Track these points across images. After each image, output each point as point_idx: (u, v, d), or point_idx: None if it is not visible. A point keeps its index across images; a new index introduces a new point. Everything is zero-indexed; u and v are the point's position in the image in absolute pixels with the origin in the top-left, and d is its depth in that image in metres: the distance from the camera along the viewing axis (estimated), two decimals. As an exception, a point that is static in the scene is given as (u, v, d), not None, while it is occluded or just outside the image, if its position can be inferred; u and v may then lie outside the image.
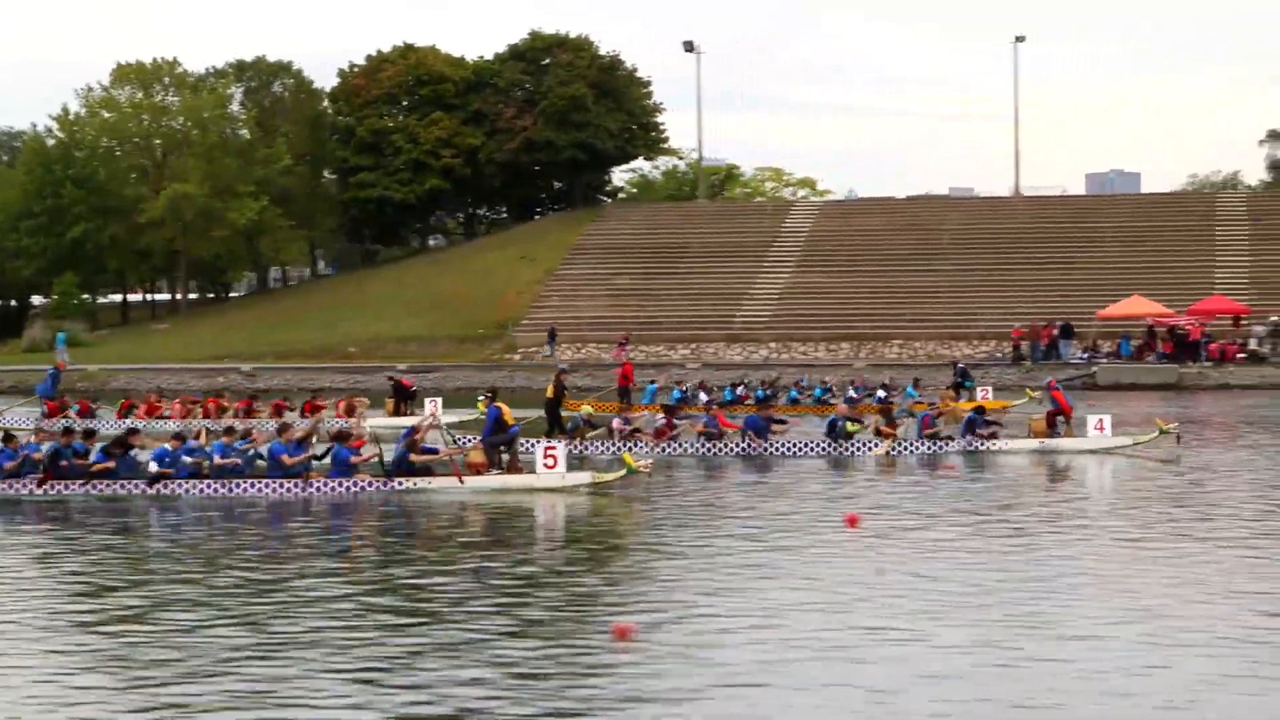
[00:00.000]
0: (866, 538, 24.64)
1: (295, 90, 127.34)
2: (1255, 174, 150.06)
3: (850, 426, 40.49)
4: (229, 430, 34.01)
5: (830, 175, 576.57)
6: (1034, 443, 40.43)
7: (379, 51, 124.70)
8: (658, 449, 40.14)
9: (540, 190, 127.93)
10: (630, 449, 38.83)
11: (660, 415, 43.17)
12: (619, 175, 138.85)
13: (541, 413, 43.90)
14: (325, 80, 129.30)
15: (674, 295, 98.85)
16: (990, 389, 59.59)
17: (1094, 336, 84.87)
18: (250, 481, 31.52)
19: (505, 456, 33.65)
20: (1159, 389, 72.45)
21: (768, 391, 57.01)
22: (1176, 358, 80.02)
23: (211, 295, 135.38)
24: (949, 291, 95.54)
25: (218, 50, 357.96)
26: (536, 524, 28.45)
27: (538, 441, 35.02)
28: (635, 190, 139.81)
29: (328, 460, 32.16)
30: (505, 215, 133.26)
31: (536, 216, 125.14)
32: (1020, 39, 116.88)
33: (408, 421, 49.48)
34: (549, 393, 43.80)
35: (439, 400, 54.90)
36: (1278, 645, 16.62)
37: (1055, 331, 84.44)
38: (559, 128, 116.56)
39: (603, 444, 40.70)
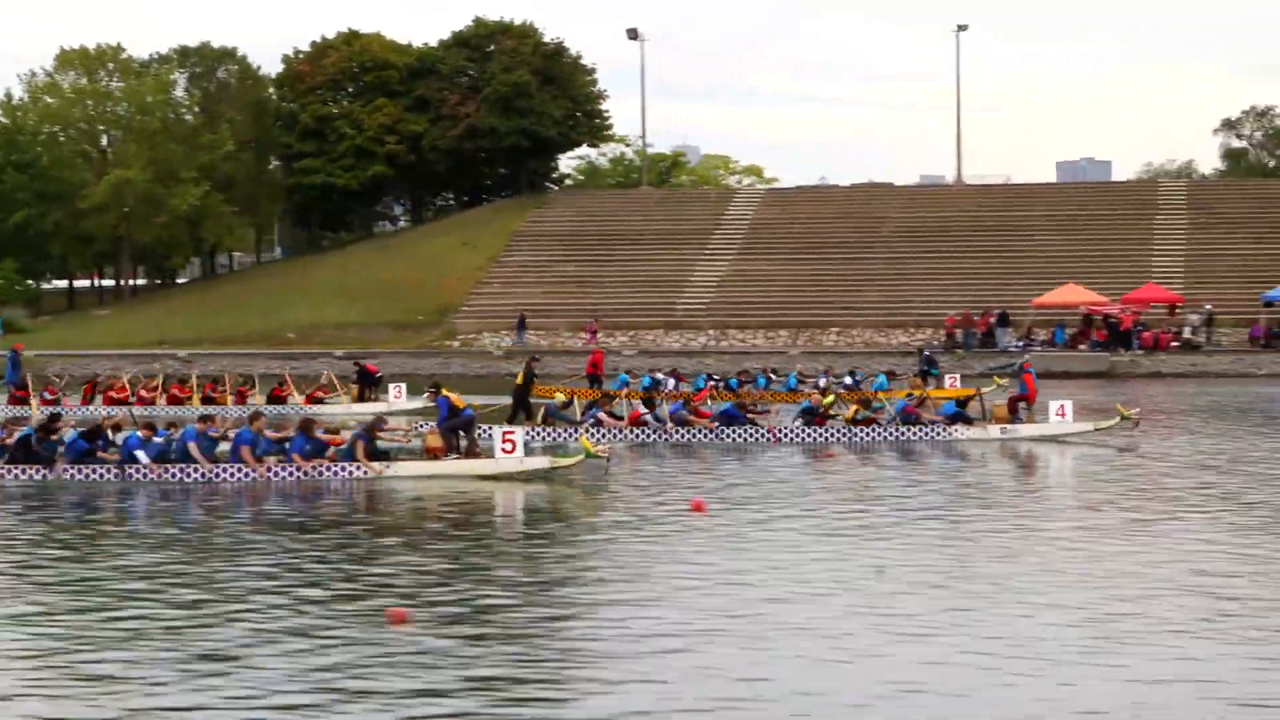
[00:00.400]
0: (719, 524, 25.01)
1: (240, 76, 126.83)
2: (1210, 163, 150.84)
3: (825, 400, 41.13)
4: (204, 418, 33.95)
5: (808, 166, 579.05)
6: (995, 429, 40.40)
7: (324, 38, 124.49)
8: (631, 436, 40.24)
9: (486, 177, 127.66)
10: (603, 435, 39.13)
11: (637, 402, 43.12)
12: (567, 162, 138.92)
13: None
14: (272, 66, 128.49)
15: (615, 282, 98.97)
16: (959, 376, 59.66)
17: (1029, 325, 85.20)
18: (208, 467, 31.66)
19: (464, 442, 33.62)
20: (1090, 377, 72.75)
21: (740, 380, 56.85)
22: (1109, 346, 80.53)
23: (159, 281, 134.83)
24: (887, 279, 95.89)
25: (163, 36, 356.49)
26: (463, 508, 28.28)
27: (496, 427, 35.07)
28: (583, 177, 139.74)
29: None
30: (453, 202, 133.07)
31: (485, 203, 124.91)
32: (963, 28, 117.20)
33: (373, 407, 49.84)
34: (518, 380, 43.78)
35: (403, 386, 54.85)
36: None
37: (992, 319, 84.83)
38: (502, 114, 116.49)
39: (572, 432, 40.19)
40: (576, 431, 39.40)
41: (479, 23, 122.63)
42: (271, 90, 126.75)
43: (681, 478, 32.17)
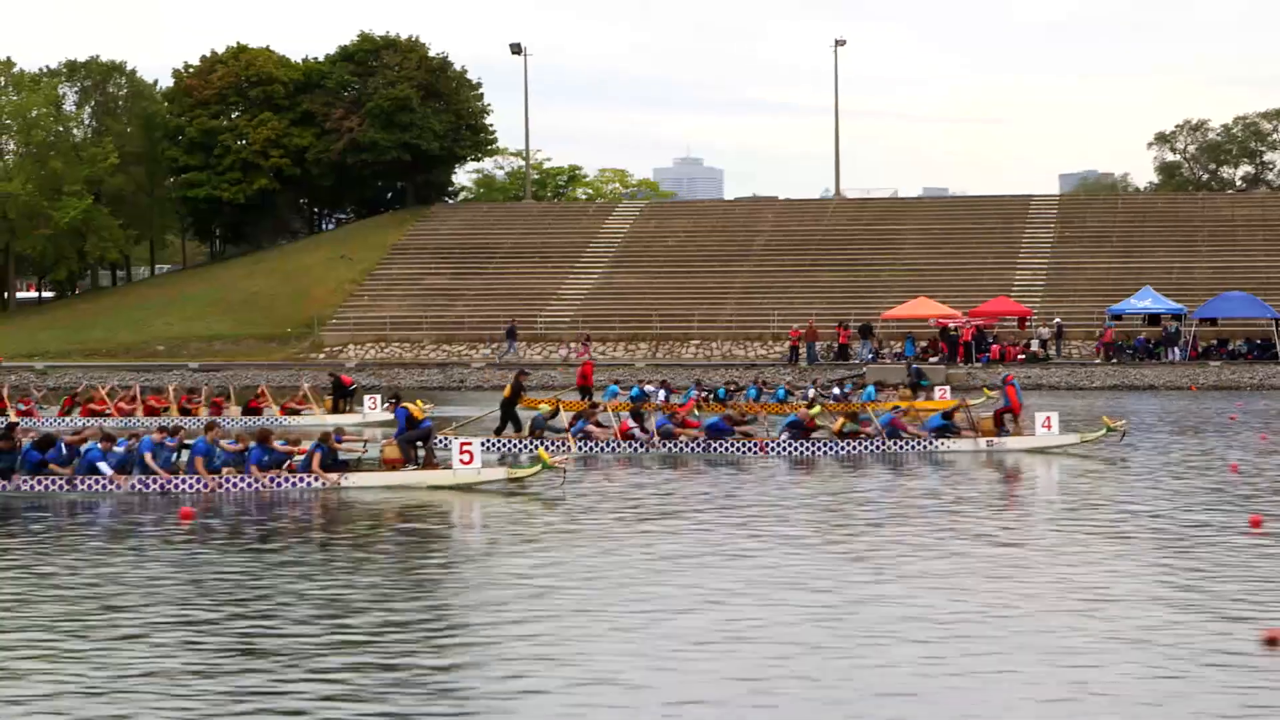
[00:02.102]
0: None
1: (129, 90, 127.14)
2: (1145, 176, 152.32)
3: (811, 410, 41.17)
4: (160, 428, 34.01)
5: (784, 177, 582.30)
6: (982, 441, 40.53)
7: (213, 52, 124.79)
8: (619, 448, 40.26)
9: (373, 191, 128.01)
10: (591, 447, 39.67)
11: (625, 414, 42.77)
12: (464, 176, 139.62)
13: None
14: (167, 81, 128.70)
15: (483, 295, 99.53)
16: (948, 389, 59.69)
17: (879, 337, 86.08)
18: (168, 478, 31.65)
19: (422, 453, 33.79)
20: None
21: (729, 390, 56.86)
22: (968, 357, 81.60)
23: (52, 294, 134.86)
24: (752, 292, 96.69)
25: (52, 49, 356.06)
26: (413, 518, 28.40)
27: (453, 438, 35.09)
28: (482, 190, 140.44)
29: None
30: (351, 215, 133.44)
31: (368, 217, 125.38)
32: (841, 42, 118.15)
33: (347, 419, 50.09)
34: (506, 392, 43.83)
35: (378, 397, 54.71)
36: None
37: (853, 331, 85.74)
38: (384, 128, 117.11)
39: (560, 443, 40.10)
40: (564, 444, 39.63)
41: (364, 37, 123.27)
42: (163, 103, 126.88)
43: (642, 491, 31.90)
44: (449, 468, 32.35)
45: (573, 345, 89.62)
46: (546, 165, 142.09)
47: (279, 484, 31.66)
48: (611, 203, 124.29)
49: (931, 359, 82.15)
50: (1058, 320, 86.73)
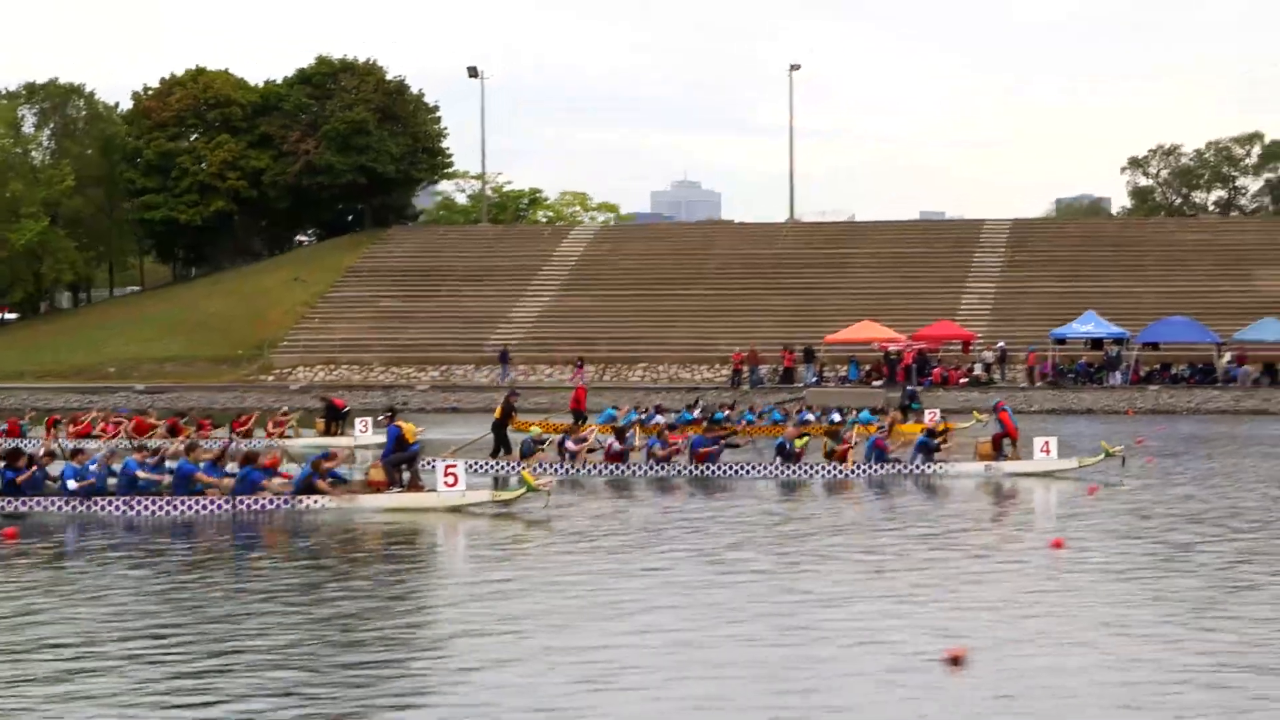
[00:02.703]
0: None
1: (88, 113, 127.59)
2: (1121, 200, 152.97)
3: (797, 441, 40.73)
4: (140, 448, 33.97)
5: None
6: (979, 465, 40.52)
7: (172, 75, 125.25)
8: (608, 470, 40.14)
9: (331, 213, 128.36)
10: (581, 470, 39.74)
11: (610, 436, 42.54)
12: (426, 198, 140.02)
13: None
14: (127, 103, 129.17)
15: (435, 318, 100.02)
16: (939, 412, 59.61)
17: (822, 361, 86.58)
18: (153, 500, 31.48)
19: (406, 475, 33.50)
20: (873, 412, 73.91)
21: (724, 413, 56.34)
22: (908, 380, 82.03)
23: (15, 316, 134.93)
24: (701, 315, 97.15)
25: (12, 72, 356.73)
26: (398, 541, 28.43)
27: (439, 460, 34.98)
28: (442, 213, 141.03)
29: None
30: (312, 237, 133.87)
31: (327, 239, 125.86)
32: (795, 67, 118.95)
33: (339, 441, 49.83)
34: (496, 414, 44.00)
35: (369, 420, 54.21)
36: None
37: (797, 355, 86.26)
38: (340, 151, 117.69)
39: (550, 466, 40.08)
40: (555, 466, 39.77)
41: (321, 60, 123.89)
42: (122, 126, 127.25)
43: (624, 515, 31.87)
44: (433, 490, 32.33)
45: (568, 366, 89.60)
46: (507, 188, 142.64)
47: (261, 505, 31.45)
48: (567, 226, 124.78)
49: (875, 383, 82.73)
50: (1001, 344, 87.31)
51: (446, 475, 32.04)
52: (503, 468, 40.53)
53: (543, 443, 41.98)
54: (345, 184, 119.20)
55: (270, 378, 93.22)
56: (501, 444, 42.77)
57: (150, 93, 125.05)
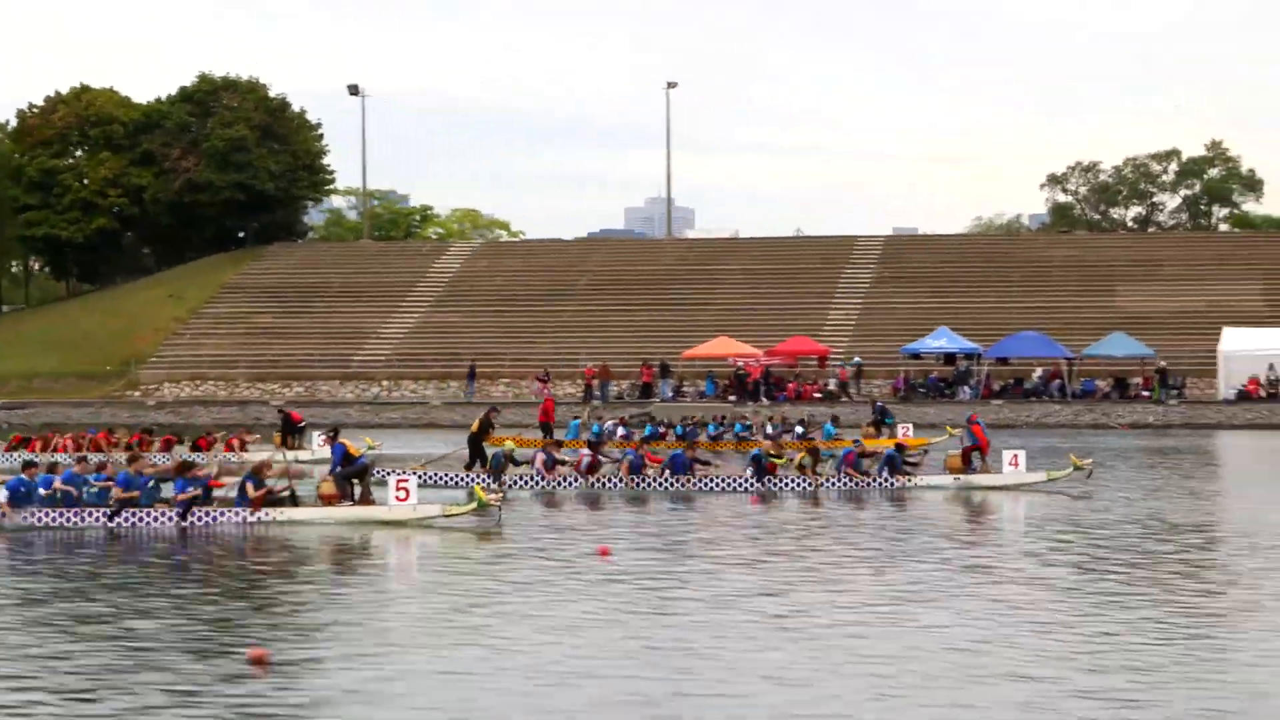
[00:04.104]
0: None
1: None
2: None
3: (774, 459, 40.80)
4: (81, 459, 34.55)
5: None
6: (949, 478, 40.77)
7: (56, 92, 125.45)
8: (584, 484, 40.45)
9: (215, 230, 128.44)
10: (556, 484, 40.14)
11: (585, 451, 42.92)
12: (316, 215, 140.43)
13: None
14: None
15: (306, 334, 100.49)
16: (911, 427, 60.46)
17: (679, 376, 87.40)
18: (88, 511, 31.56)
19: (358, 489, 33.66)
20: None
21: (688, 428, 57.03)
22: (755, 396, 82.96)
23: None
24: (567, 331, 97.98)
25: None
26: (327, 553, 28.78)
27: (392, 472, 35.25)
28: (334, 229, 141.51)
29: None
30: (199, 253, 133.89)
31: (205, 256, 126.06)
32: (673, 85, 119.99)
33: (296, 454, 49.71)
34: (473, 427, 44.25)
35: (331, 433, 54.13)
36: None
37: (655, 370, 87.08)
38: (219, 168, 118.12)
39: (527, 479, 40.71)
40: (544, 481, 40.34)
41: (204, 78, 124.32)
42: (7, 143, 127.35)
43: (582, 528, 32.20)
44: (384, 504, 32.46)
45: (531, 383, 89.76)
46: (398, 205, 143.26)
47: (212, 518, 31.64)
48: (446, 242, 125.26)
49: (731, 398, 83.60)
50: (858, 359, 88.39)
51: (398, 489, 32.19)
52: (470, 481, 40.31)
53: (518, 461, 41.54)
54: (225, 201, 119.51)
55: (137, 394, 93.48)
56: (477, 457, 43.02)
57: (35, 110, 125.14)
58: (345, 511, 32.49)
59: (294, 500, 32.74)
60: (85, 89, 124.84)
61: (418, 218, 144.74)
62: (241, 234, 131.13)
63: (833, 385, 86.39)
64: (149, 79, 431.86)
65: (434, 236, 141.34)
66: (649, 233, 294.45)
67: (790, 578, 24.34)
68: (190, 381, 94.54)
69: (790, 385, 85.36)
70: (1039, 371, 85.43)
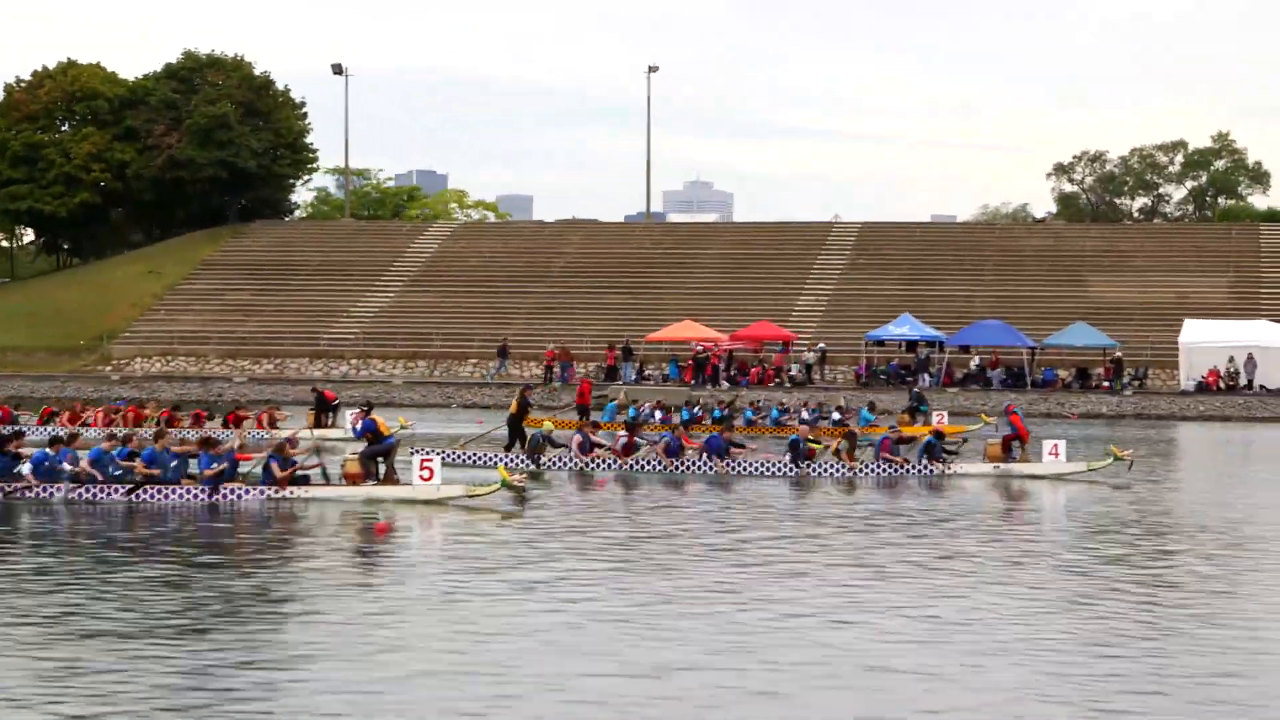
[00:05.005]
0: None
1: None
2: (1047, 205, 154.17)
3: (812, 445, 40.88)
4: (110, 436, 34.64)
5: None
6: (989, 467, 40.95)
7: (44, 67, 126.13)
8: (621, 466, 40.78)
9: (198, 206, 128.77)
10: (593, 466, 40.65)
11: (622, 433, 43.35)
12: (304, 193, 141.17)
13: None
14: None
15: (278, 312, 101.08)
16: (945, 414, 60.61)
17: (642, 359, 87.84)
18: (115, 487, 31.94)
19: (383, 468, 33.83)
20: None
21: (724, 411, 57.49)
22: (714, 380, 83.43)
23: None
24: (539, 313, 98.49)
25: None
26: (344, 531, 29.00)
27: (416, 452, 35.68)
28: (325, 208, 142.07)
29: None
30: (183, 231, 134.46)
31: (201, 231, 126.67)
32: (654, 69, 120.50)
33: (329, 433, 50.57)
34: (512, 408, 44.66)
35: (365, 408, 54.55)
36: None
37: (619, 353, 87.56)
38: (201, 145, 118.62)
39: (563, 460, 41.27)
40: (579, 463, 40.86)
41: (189, 55, 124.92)
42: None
43: (608, 511, 32.56)
44: (409, 484, 32.70)
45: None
46: (387, 185, 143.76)
47: (236, 495, 31.89)
48: (426, 223, 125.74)
49: (691, 381, 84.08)
50: (821, 345, 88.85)
51: (422, 469, 32.43)
52: (495, 460, 40.12)
53: (556, 443, 42.08)
54: (208, 178, 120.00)
55: (109, 368, 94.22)
56: (517, 437, 43.35)
57: (22, 85, 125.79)
58: (368, 491, 32.71)
59: (326, 479, 33.15)
60: (72, 64, 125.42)
61: (405, 197, 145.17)
62: (225, 210, 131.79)
63: (795, 371, 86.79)
64: (138, 56, 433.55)
65: (419, 217, 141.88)
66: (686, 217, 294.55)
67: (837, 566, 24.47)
68: (161, 357, 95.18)
69: (754, 370, 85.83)
70: (975, 360, 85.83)
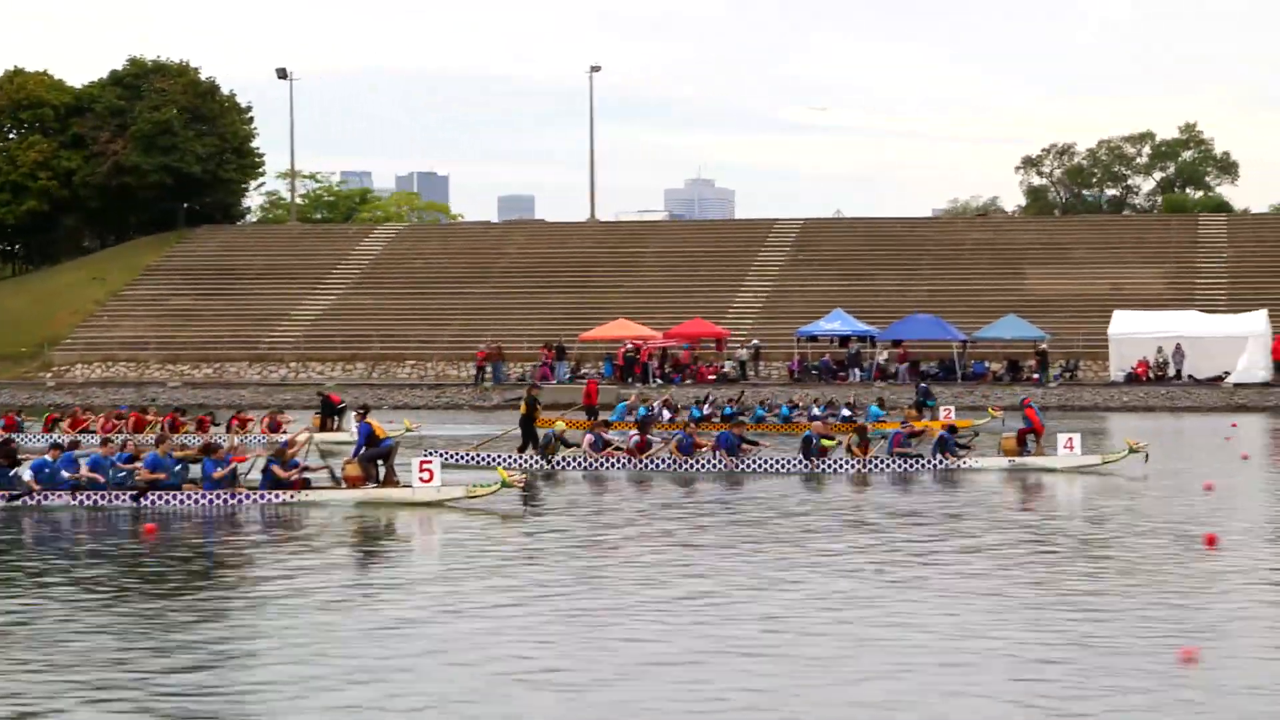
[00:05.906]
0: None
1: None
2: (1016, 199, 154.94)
3: (825, 443, 40.84)
4: (105, 442, 34.92)
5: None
6: (1004, 460, 41.04)
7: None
8: (633, 465, 40.97)
9: (146, 213, 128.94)
10: (606, 465, 40.92)
11: (634, 432, 43.38)
12: (256, 197, 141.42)
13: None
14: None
15: (220, 317, 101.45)
16: (954, 408, 60.81)
17: (576, 358, 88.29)
18: (114, 493, 32.04)
19: (382, 471, 33.86)
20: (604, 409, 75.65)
21: (735, 409, 57.85)
22: (644, 378, 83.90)
23: None
24: (476, 314, 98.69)
25: None
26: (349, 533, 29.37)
27: (433, 454, 35.81)
28: (279, 211, 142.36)
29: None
30: (133, 236, 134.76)
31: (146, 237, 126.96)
32: (596, 68, 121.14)
33: (335, 436, 50.34)
34: (522, 409, 44.60)
35: (361, 411, 54.66)
36: None
37: (553, 352, 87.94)
38: (146, 151, 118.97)
39: (576, 460, 41.50)
40: (590, 462, 41.18)
41: (134, 62, 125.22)
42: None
43: (610, 511, 32.76)
44: (409, 486, 32.84)
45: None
46: (339, 188, 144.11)
47: (236, 499, 32.06)
48: (370, 225, 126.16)
49: (628, 379, 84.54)
50: (755, 342, 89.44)
51: (421, 471, 32.54)
52: (495, 461, 40.22)
53: (568, 443, 42.49)
54: (154, 184, 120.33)
55: (48, 375, 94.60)
56: (529, 438, 43.26)
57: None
58: (367, 493, 32.78)
59: (336, 481, 33.23)
60: (19, 72, 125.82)
61: (357, 199, 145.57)
62: (174, 216, 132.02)
63: (728, 368, 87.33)
64: (85, 63, 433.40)
65: (371, 218, 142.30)
66: (688, 215, 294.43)
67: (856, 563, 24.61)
68: (101, 363, 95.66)
69: (689, 367, 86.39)
70: (884, 355, 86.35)
